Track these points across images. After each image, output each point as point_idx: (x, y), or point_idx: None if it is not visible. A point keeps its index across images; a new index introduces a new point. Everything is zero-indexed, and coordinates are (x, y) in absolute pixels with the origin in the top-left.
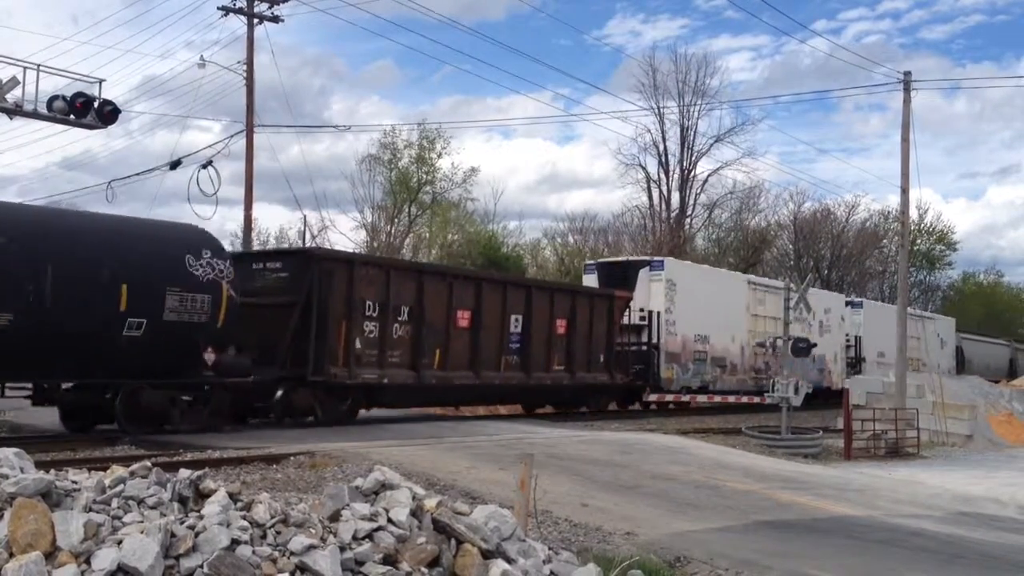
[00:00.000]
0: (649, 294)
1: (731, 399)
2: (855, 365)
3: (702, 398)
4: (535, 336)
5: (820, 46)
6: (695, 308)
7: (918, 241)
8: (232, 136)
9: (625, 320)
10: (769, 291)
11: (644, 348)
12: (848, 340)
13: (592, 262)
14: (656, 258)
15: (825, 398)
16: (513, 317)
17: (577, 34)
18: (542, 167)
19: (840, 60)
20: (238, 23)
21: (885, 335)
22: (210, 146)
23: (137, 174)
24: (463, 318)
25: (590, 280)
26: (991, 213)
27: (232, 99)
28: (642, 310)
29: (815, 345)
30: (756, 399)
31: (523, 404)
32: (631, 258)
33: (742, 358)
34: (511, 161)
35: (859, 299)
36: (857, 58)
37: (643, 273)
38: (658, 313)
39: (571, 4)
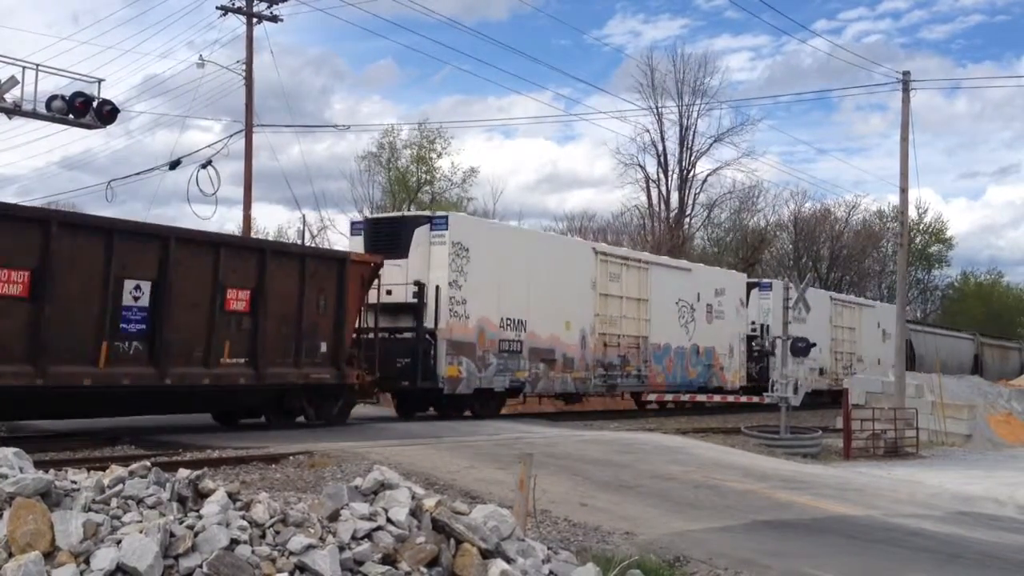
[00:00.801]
0: (428, 261)
1: (731, 399)
2: (761, 359)
3: (701, 397)
4: (180, 312)
5: (820, 46)
6: (501, 283)
7: (916, 239)
8: (231, 136)
9: (390, 296)
10: (629, 265)
11: (413, 335)
12: (753, 329)
13: (360, 219)
14: (439, 213)
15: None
16: (132, 284)
17: (577, 34)
18: (542, 167)
19: (841, 60)
20: (239, 22)
21: (810, 325)
22: (210, 146)
23: (137, 174)
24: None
25: (356, 244)
26: (991, 213)
27: (232, 99)
28: (417, 283)
29: (813, 344)
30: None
31: (162, 411)
32: (407, 213)
33: (583, 351)
34: (512, 161)
35: (768, 280)
36: (858, 58)
37: (420, 233)
38: (437, 288)
39: (571, 4)
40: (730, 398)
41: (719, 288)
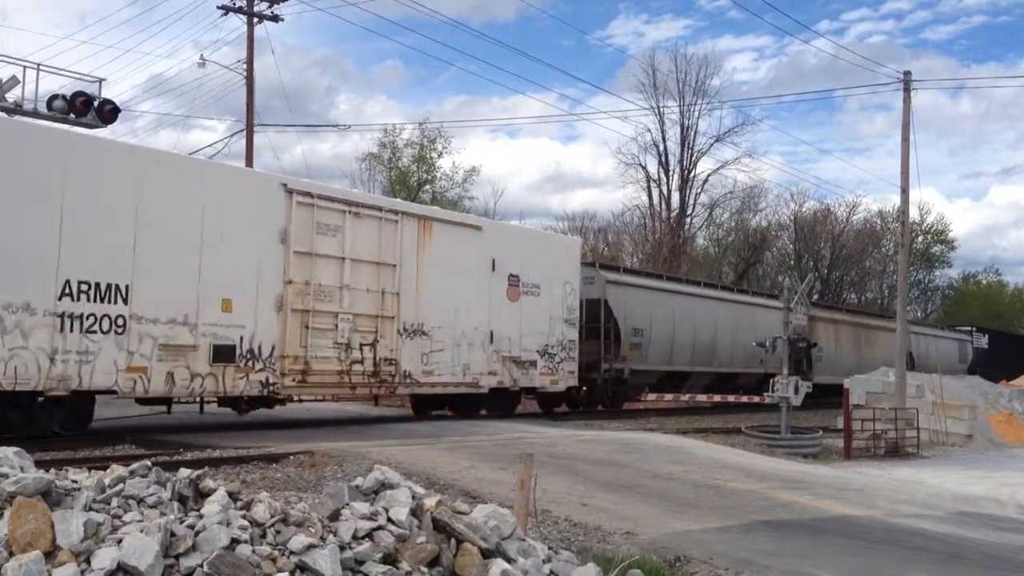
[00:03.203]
0: None
1: (730, 399)
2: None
3: (701, 398)
4: None
5: (823, 47)
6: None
7: (917, 239)
8: (232, 135)
9: None
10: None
11: None
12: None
13: None
14: None
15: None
16: None
17: (580, 35)
18: (546, 166)
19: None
20: (242, 22)
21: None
22: (210, 145)
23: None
24: None
25: None
26: (994, 213)
27: (236, 98)
28: None
29: (813, 344)
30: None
31: None
32: None
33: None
34: (516, 160)
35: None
36: (861, 59)
37: None
38: None
39: (575, 4)
40: (730, 398)
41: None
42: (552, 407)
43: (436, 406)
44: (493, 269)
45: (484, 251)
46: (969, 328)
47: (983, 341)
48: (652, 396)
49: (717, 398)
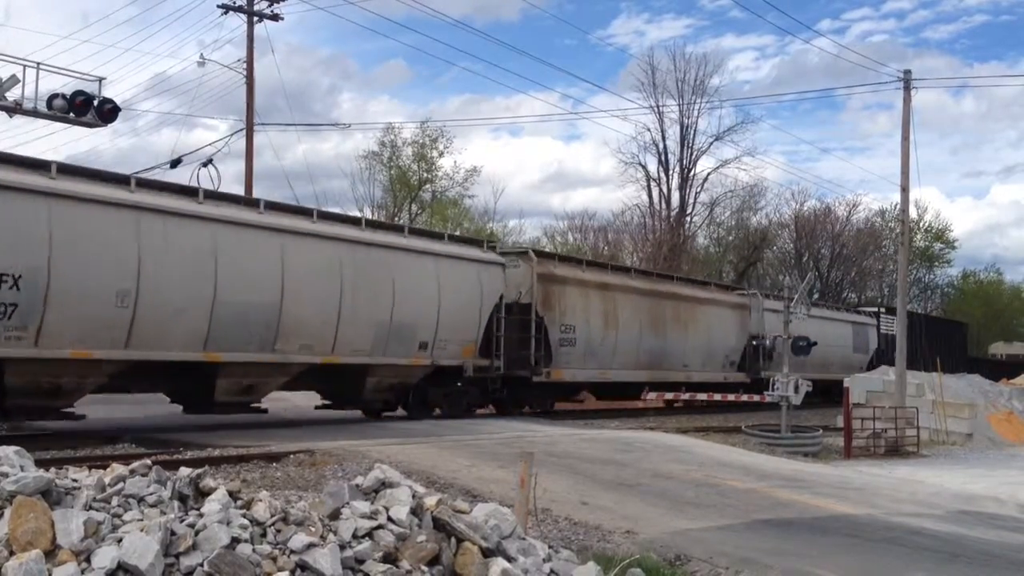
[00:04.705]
0: None
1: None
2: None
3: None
4: None
5: (825, 46)
6: None
7: (917, 238)
8: (233, 135)
9: None
10: None
11: None
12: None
13: None
14: None
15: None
16: None
17: (582, 34)
18: (547, 165)
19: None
20: (244, 21)
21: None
22: (211, 144)
23: (137, 172)
24: None
25: None
26: (995, 212)
27: (238, 97)
28: None
29: (813, 343)
30: None
31: None
32: None
33: None
34: (518, 159)
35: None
36: (863, 58)
37: None
38: None
39: (577, 4)
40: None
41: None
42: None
43: None
44: None
45: None
46: (875, 309)
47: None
48: (652, 395)
49: (718, 397)
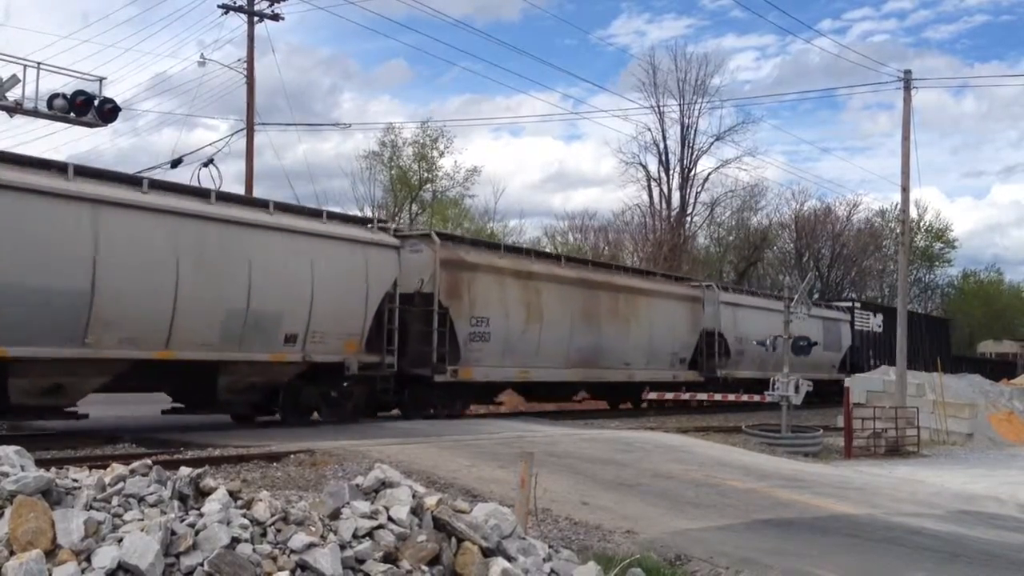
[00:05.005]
0: None
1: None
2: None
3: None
4: None
5: (826, 46)
6: None
7: (917, 238)
8: (233, 134)
9: None
10: None
11: None
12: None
13: None
14: None
15: None
16: None
17: (583, 34)
18: (548, 165)
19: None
20: (244, 21)
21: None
22: (211, 143)
23: (137, 172)
24: None
25: None
26: (996, 212)
27: (238, 97)
28: None
29: (814, 343)
30: None
31: None
32: None
33: None
34: (519, 159)
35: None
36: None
37: None
38: None
39: (578, 3)
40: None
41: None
42: None
43: None
44: None
45: None
46: (848, 304)
47: (874, 322)
48: (652, 395)
49: (718, 396)
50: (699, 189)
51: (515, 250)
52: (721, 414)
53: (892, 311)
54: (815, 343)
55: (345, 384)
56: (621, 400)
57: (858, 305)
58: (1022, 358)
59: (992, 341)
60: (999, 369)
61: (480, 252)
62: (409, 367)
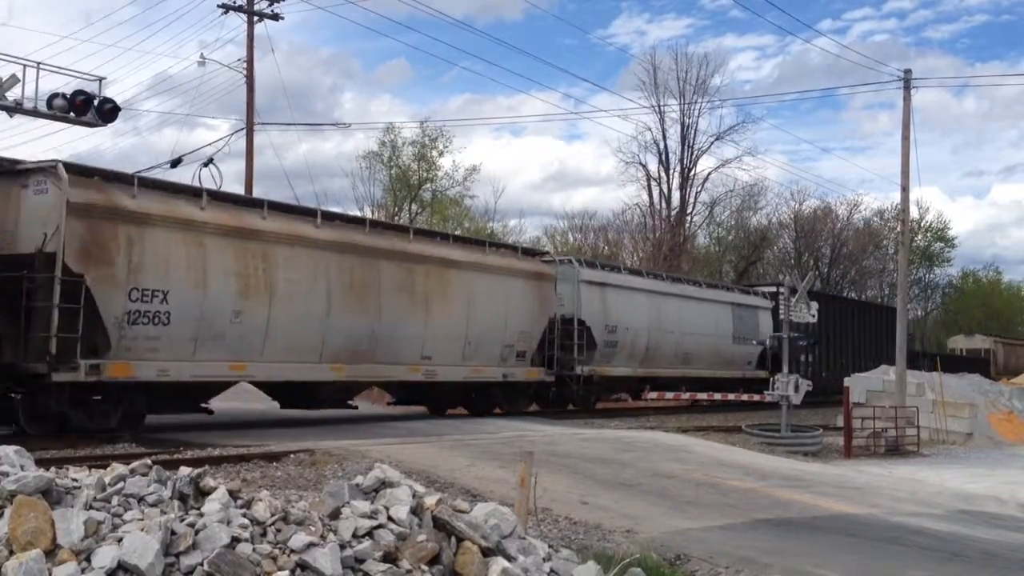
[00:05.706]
0: None
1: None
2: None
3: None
4: None
5: (826, 46)
6: None
7: (917, 237)
8: (233, 134)
9: None
10: None
11: None
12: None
13: None
14: None
15: None
16: None
17: (583, 34)
18: (549, 165)
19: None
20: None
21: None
22: (211, 143)
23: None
24: None
25: None
26: (996, 211)
27: (239, 97)
28: None
29: (814, 342)
30: None
31: None
32: None
33: None
34: (519, 159)
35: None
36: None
37: None
38: None
39: (578, 3)
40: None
41: None
42: None
43: None
44: None
45: None
46: (773, 288)
47: (807, 311)
48: (653, 395)
49: (718, 397)
50: (699, 189)
51: (230, 199)
52: (720, 414)
53: (829, 297)
54: (815, 342)
55: None
56: (450, 405)
57: (782, 292)
58: (994, 354)
59: (963, 336)
60: (966, 367)
61: (157, 197)
62: (23, 362)
